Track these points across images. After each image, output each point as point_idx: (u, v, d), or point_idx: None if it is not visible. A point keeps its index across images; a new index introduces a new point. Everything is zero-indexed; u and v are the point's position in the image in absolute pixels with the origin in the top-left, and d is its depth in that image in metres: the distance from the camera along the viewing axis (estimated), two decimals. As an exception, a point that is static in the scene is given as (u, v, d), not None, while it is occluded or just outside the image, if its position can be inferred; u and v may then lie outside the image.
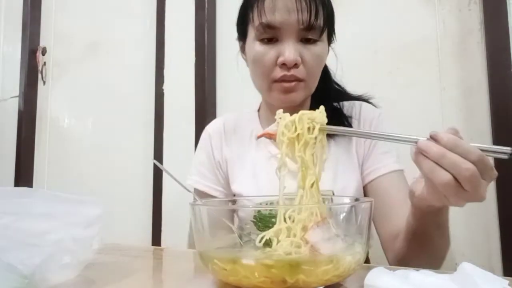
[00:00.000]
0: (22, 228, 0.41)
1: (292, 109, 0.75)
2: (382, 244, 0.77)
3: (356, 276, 0.42)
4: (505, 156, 0.44)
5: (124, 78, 1.75)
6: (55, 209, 0.45)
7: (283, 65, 0.73)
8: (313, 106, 0.82)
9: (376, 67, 1.22)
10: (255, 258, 0.40)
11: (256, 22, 0.74)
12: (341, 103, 0.86)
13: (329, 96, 0.85)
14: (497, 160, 1.05)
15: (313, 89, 0.79)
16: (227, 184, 0.87)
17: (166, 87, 1.61)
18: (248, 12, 0.77)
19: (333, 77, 0.90)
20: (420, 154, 0.48)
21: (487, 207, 1.06)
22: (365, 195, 0.80)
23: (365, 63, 1.23)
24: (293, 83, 0.74)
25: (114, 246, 0.68)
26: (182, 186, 0.50)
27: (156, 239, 1.56)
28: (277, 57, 0.73)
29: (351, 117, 0.83)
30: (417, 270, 0.38)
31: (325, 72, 0.87)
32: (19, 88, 1.97)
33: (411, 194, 0.55)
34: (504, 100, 1.05)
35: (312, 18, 0.71)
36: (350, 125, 0.81)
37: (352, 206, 0.47)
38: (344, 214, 0.44)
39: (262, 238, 0.43)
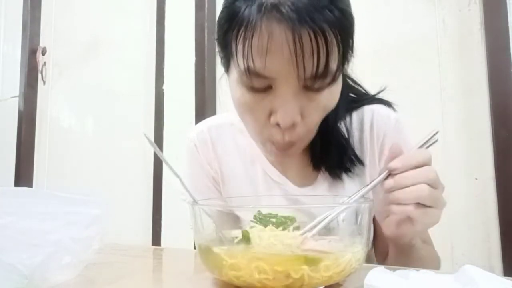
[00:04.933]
0: (22, 228, 0.41)
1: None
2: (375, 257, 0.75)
3: (356, 276, 0.42)
4: (436, 140, 0.47)
5: (124, 78, 1.75)
6: (55, 209, 0.45)
7: (277, 125, 0.54)
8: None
9: (376, 67, 1.22)
10: (258, 252, 0.40)
11: (241, 65, 0.52)
12: (348, 120, 0.68)
13: (337, 117, 0.66)
14: (497, 160, 1.05)
15: (312, 137, 0.61)
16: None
17: (166, 87, 1.61)
18: (228, 40, 0.55)
19: (351, 80, 0.73)
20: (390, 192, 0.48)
21: (487, 207, 1.06)
22: None
23: (365, 63, 1.22)
24: (287, 148, 0.58)
25: (114, 246, 0.68)
26: (173, 171, 0.50)
27: (156, 239, 1.56)
28: (270, 112, 0.54)
29: (362, 129, 0.68)
30: (417, 270, 0.38)
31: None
32: (19, 88, 1.97)
33: (386, 236, 0.55)
34: (504, 100, 1.05)
35: (321, 64, 0.49)
36: (360, 162, 0.67)
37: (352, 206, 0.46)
38: (344, 214, 0.44)
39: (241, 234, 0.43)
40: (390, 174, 0.49)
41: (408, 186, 0.47)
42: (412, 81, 1.17)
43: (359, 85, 0.74)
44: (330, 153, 0.65)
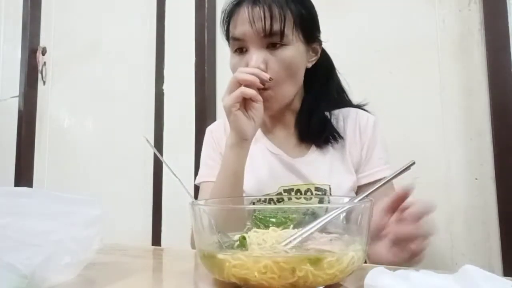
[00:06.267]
0: (22, 228, 0.41)
1: (277, 115, 0.88)
2: None
3: (356, 276, 0.42)
4: (409, 169, 0.51)
5: (124, 78, 1.75)
6: (55, 209, 0.45)
7: None
8: (303, 112, 0.87)
9: (376, 67, 1.22)
10: (261, 249, 0.40)
11: (228, 36, 0.83)
12: (336, 110, 0.89)
13: (324, 103, 0.87)
14: (497, 160, 1.05)
15: (285, 95, 0.81)
16: None
17: (166, 87, 1.61)
18: (225, 26, 0.85)
19: (340, 83, 0.92)
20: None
21: (487, 207, 1.06)
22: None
23: (365, 63, 1.23)
24: (260, 93, 0.74)
25: (114, 246, 0.68)
26: (172, 172, 0.50)
27: (156, 239, 1.56)
28: (246, 65, 0.77)
29: (346, 123, 0.87)
30: (417, 270, 0.38)
31: (327, 77, 0.90)
32: (19, 88, 1.97)
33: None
34: (504, 100, 1.05)
35: (267, 25, 0.76)
36: (340, 136, 0.85)
37: (352, 206, 0.47)
38: (344, 214, 0.44)
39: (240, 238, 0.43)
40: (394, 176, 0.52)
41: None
42: (412, 81, 1.17)
43: (345, 93, 0.94)
44: (313, 128, 0.85)
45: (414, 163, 0.51)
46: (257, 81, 0.71)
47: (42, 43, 1.99)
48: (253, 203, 0.70)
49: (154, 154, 1.58)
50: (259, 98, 0.73)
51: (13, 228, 0.40)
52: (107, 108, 1.79)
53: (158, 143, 1.59)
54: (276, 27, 0.76)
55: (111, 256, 0.61)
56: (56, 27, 2.00)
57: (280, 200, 0.78)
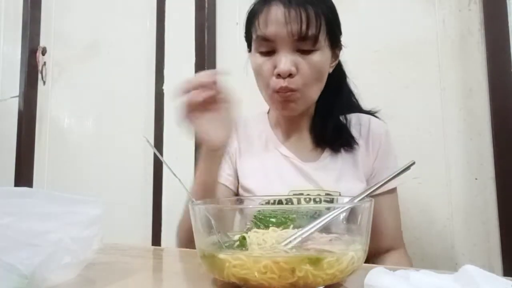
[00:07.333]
0: (22, 228, 0.41)
1: (294, 118, 0.86)
2: None
3: (356, 276, 0.42)
4: (409, 169, 0.51)
5: (124, 78, 1.75)
6: (55, 209, 0.45)
7: (279, 76, 0.75)
8: (318, 116, 0.86)
9: (375, 67, 1.22)
10: (261, 249, 0.40)
11: (254, 36, 0.79)
12: (349, 116, 0.88)
13: (337, 108, 0.86)
14: (497, 160, 1.05)
15: (311, 98, 0.81)
16: (235, 174, 0.89)
17: (166, 87, 1.61)
18: (250, 25, 0.81)
19: (352, 89, 0.92)
20: None
21: (487, 207, 1.06)
22: None
23: (365, 63, 1.23)
24: (287, 94, 0.76)
25: (114, 246, 0.68)
26: (172, 172, 0.51)
27: (156, 239, 1.56)
28: (274, 68, 0.76)
29: (359, 131, 0.86)
30: (417, 270, 0.38)
31: (340, 82, 0.89)
32: (19, 88, 1.96)
33: None
34: (504, 100, 1.05)
35: (303, 28, 0.73)
36: (355, 142, 0.84)
37: (352, 206, 0.47)
38: (344, 214, 0.44)
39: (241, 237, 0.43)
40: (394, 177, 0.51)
41: None
42: (412, 81, 1.17)
43: (354, 96, 0.93)
44: (329, 132, 0.84)
45: (414, 163, 0.51)
46: (206, 82, 0.64)
47: (42, 43, 1.99)
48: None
49: (154, 154, 1.58)
50: (223, 98, 0.66)
51: (13, 228, 0.40)
52: (107, 108, 1.79)
53: (158, 143, 1.58)
54: (312, 31, 0.74)
55: (111, 256, 0.61)
56: (56, 27, 1.99)
57: (289, 203, 0.77)
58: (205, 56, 1.50)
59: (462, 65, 1.13)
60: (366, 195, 0.48)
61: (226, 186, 0.86)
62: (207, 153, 0.70)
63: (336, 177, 0.82)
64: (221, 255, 0.41)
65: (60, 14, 1.99)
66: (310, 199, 0.79)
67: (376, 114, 0.91)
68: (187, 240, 0.76)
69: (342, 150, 0.84)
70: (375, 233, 0.78)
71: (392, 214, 0.85)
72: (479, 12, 1.11)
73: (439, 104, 1.14)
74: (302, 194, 0.80)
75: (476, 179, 1.08)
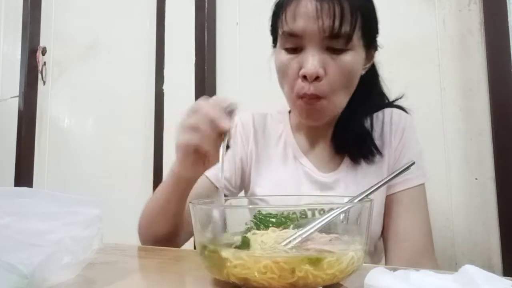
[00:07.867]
0: (22, 228, 0.41)
1: (318, 126, 0.78)
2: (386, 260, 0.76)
3: (356, 276, 0.42)
4: (409, 169, 0.51)
5: (124, 78, 1.75)
6: (55, 209, 0.45)
7: (304, 78, 0.67)
8: (342, 122, 0.78)
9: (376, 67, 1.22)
10: (261, 249, 0.40)
11: (280, 31, 0.71)
12: (371, 118, 0.79)
13: (364, 113, 0.78)
14: (497, 160, 1.05)
15: (339, 106, 0.73)
16: (239, 179, 0.84)
17: (166, 87, 1.61)
18: (276, 18, 0.73)
19: (382, 89, 0.84)
20: None
21: (487, 207, 1.06)
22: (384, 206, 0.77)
23: (365, 63, 1.22)
24: (312, 101, 0.68)
25: (114, 246, 0.68)
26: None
27: (156, 239, 1.56)
28: (300, 68, 0.68)
29: (381, 128, 0.78)
30: (417, 270, 0.38)
31: (370, 84, 0.79)
32: (19, 88, 1.97)
33: None
34: (504, 100, 1.05)
35: (336, 24, 0.65)
36: (378, 152, 0.76)
37: (352, 206, 0.47)
38: (344, 214, 0.44)
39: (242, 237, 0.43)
40: (394, 176, 0.50)
41: None
42: (412, 81, 1.17)
43: (384, 94, 0.85)
44: (352, 141, 0.76)
45: (414, 163, 0.51)
46: (211, 135, 0.57)
47: (42, 43, 1.99)
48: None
49: (154, 153, 1.58)
50: (216, 157, 0.58)
51: (13, 228, 0.40)
52: (107, 108, 1.79)
53: (158, 143, 1.58)
54: (345, 28, 0.65)
55: (111, 256, 0.61)
56: (56, 27, 2.00)
57: (303, 217, 0.70)
58: (205, 56, 1.50)
59: (462, 65, 1.13)
60: (366, 195, 0.48)
61: (216, 186, 0.78)
62: (178, 179, 0.66)
63: (354, 190, 0.71)
64: (222, 255, 0.41)
65: (60, 14, 1.99)
66: (324, 211, 0.74)
67: (398, 103, 0.83)
68: (146, 224, 0.78)
69: (364, 160, 0.75)
70: (395, 241, 0.72)
71: (418, 217, 0.74)
72: (479, 12, 1.11)
73: (439, 104, 1.14)
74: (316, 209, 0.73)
75: (476, 179, 1.08)
